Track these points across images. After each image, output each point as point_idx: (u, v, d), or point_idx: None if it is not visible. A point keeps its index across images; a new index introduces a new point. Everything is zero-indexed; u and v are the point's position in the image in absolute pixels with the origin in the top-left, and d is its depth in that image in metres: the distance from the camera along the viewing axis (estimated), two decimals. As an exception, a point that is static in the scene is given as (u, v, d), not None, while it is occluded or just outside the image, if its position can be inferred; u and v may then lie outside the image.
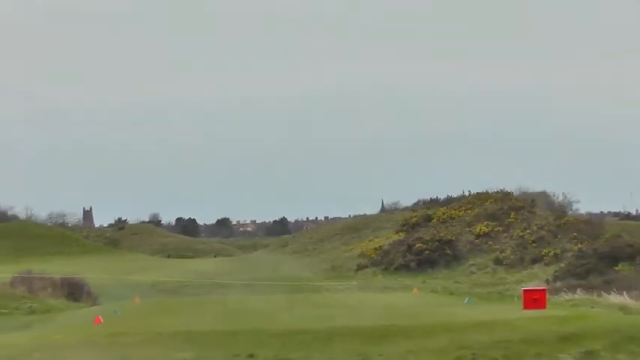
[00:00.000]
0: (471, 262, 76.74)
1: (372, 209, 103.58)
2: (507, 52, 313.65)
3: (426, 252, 78.08)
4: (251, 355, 22.52)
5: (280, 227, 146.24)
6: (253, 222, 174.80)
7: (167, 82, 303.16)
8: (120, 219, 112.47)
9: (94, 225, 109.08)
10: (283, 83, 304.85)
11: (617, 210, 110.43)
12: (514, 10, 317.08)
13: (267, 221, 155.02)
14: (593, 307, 33.45)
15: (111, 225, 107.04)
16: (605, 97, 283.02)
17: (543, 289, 34.22)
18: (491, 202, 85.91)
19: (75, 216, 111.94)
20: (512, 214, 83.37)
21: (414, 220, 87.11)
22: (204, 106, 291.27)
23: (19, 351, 24.61)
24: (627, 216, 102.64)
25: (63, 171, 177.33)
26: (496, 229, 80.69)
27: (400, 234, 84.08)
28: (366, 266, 78.93)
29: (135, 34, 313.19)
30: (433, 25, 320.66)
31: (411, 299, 37.87)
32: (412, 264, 76.01)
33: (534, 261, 74.13)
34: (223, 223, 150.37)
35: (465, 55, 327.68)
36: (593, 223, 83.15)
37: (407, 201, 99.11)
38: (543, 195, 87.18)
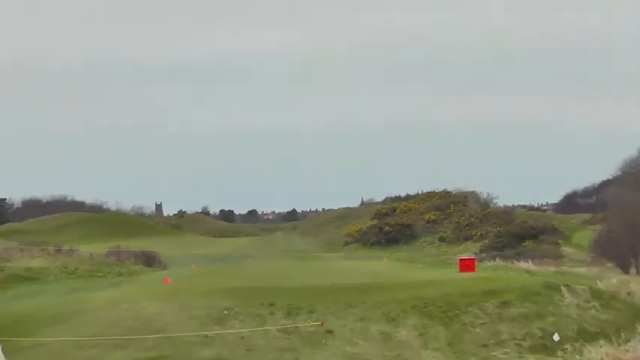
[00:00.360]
0: (422, 240, 77.13)
1: (354, 203, 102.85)
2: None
3: (392, 233, 78.58)
4: (271, 304, 22.20)
5: (291, 216, 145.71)
6: (273, 212, 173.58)
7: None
8: (181, 210, 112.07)
9: (162, 214, 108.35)
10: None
11: (524, 203, 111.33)
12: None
13: (282, 211, 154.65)
14: (507, 271, 33.31)
15: (174, 214, 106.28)
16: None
17: (473, 258, 33.78)
18: (437, 198, 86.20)
19: (149, 208, 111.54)
20: (452, 206, 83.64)
21: (383, 210, 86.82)
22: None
23: (111, 302, 24.14)
24: (532, 208, 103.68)
25: (142, 174, 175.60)
26: (440, 217, 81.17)
27: (374, 220, 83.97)
28: (350, 242, 79.01)
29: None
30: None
31: (381, 266, 37.26)
32: (382, 241, 76.33)
33: (467, 239, 74.27)
34: (252, 213, 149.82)
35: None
36: (507, 213, 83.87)
37: (379, 197, 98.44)
38: (473, 193, 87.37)
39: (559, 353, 19.17)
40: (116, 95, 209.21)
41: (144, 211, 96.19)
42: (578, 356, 18.88)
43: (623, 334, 20.32)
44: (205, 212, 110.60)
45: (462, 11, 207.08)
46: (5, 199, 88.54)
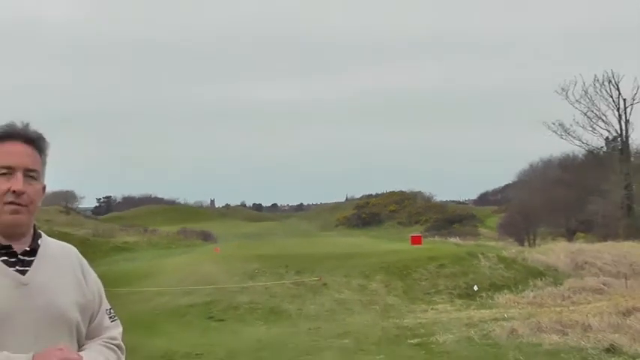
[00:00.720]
0: (387, 223, 77.10)
1: (342, 198, 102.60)
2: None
3: (366, 219, 78.51)
4: (286, 266, 22.20)
5: (300, 207, 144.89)
6: (288, 205, 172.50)
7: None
8: (227, 204, 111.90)
9: (215, 206, 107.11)
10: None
11: (453, 199, 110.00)
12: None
13: (294, 204, 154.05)
14: (443, 244, 33.30)
15: (222, 206, 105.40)
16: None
17: (420, 236, 33.62)
18: (396, 196, 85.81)
19: (206, 202, 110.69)
20: (406, 201, 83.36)
21: (361, 204, 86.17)
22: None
23: (181, 264, 24.23)
24: (458, 202, 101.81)
25: (200, 177, 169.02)
26: (398, 208, 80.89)
27: (354, 210, 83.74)
28: (339, 225, 78.68)
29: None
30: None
31: (360, 241, 37.25)
32: (360, 224, 76.23)
33: (416, 222, 74.03)
34: (274, 205, 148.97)
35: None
36: (442, 205, 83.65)
37: (358, 195, 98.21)
38: (420, 193, 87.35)
39: (477, 299, 19.21)
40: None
41: (202, 204, 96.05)
42: (490, 300, 18.91)
43: (520, 286, 20.42)
44: (243, 205, 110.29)
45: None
46: (110, 196, 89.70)
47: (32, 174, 1.94)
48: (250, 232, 61.49)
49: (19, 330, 1.87)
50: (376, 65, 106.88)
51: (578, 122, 41.57)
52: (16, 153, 1.92)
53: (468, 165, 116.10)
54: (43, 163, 2.00)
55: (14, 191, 1.89)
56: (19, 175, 1.90)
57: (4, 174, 1.90)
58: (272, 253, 25.03)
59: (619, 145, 41.04)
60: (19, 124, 1.95)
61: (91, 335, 2.04)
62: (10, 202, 1.89)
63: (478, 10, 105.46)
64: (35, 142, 1.96)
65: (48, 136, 2.01)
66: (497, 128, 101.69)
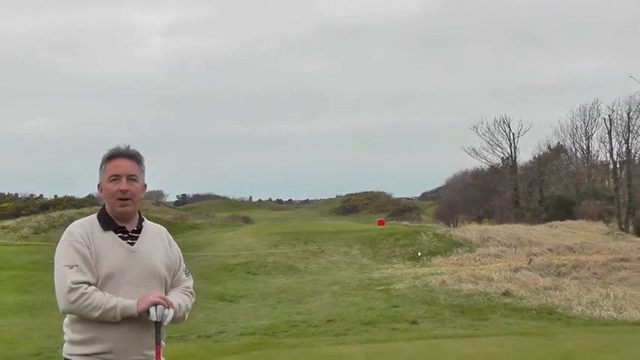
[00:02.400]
0: (362, 212, 75.74)
1: (333, 195, 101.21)
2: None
3: (349, 208, 77.86)
4: (297, 239, 22.01)
5: (307, 202, 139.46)
6: (299, 199, 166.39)
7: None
8: (260, 199, 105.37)
9: (252, 200, 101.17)
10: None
11: (406, 196, 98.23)
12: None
13: (302, 199, 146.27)
14: (398, 225, 33.05)
15: (256, 201, 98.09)
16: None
17: (383, 220, 33.44)
18: (368, 194, 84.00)
19: (247, 197, 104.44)
20: (374, 197, 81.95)
21: (345, 199, 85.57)
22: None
23: (230, 237, 23.98)
24: (408, 199, 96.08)
25: (241, 179, 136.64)
26: (369, 202, 79.22)
27: (341, 203, 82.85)
28: (332, 213, 77.89)
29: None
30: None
31: (344, 223, 37.06)
32: (345, 212, 75.25)
33: (381, 211, 72.12)
34: (290, 200, 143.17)
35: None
36: (399, 201, 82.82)
37: (344, 192, 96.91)
38: (383, 193, 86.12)
39: (420, 261, 19.09)
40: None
41: (244, 199, 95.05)
42: (428, 262, 18.77)
43: (447, 252, 20.19)
44: (269, 199, 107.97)
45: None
46: (185, 194, 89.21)
47: (133, 177, 1.95)
48: (274, 217, 60.98)
49: (129, 281, 1.89)
50: (354, 110, 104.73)
51: (484, 148, 43.14)
52: (120, 165, 1.95)
53: (414, 173, 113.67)
54: (142, 171, 2.01)
55: (121, 190, 1.92)
56: (124, 179, 1.94)
57: (114, 180, 1.93)
58: (288, 231, 24.88)
59: (510, 162, 42.17)
60: (122, 147, 1.99)
61: (173, 285, 2.04)
62: (119, 198, 1.92)
63: (417, 77, 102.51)
64: (134, 157, 1.99)
65: (147, 154, 2.04)
66: (434, 150, 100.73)
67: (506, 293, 11.56)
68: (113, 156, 1.96)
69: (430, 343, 5.96)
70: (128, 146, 1.99)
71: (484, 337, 6.34)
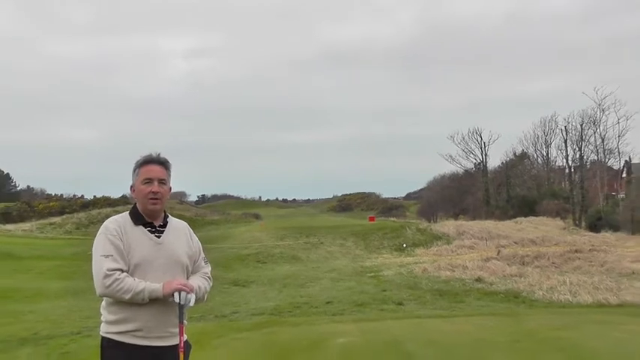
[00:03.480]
0: (355, 210, 75.13)
1: (330, 195, 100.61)
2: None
3: (345, 207, 77.28)
4: (300, 232, 21.91)
5: (308, 201, 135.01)
6: (302, 199, 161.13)
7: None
8: (268, 198, 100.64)
9: (262, 200, 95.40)
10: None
11: (393, 196, 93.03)
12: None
13: (305, 198, 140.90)
14: (386, 221, 32.94)
15: (264, 200, 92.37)
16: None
17: (373, 216, 33.30)
18: (360, 194, 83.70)
19: (257, 197, 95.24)
20: (366, 197, 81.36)
21: (341, 198, 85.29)
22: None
23: (244, 231, 23.92)
24: (394, 198, 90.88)
25: (252, 181, 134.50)
26: (362, 202, 78.92)
27: (338, 202, 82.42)
28: (330, 210, 77.49)
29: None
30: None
31: (340, 219, 36.93)
32: (341, 210, 74.80)
33: (371, 209, 72.04)
34: (294, 199, 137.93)
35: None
36: (386, 200, 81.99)
37: (340, 193, 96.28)
38: (373, 193, 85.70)
39: (405, 251, 18.99)
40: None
41: (255, 198, 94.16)
42: (412, 252, 18.62)
43: (428, 244, 19.99)
44: (276, 199, 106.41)
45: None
46: (205, 194, 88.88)
47: (162, 181, 1.97)
48: (280, 214, 60.68)
49: (155, 269, 1.90)
50: (349, 122, 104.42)
51: (459, 154, 43.34)
52: (153, 170, 1.96)
53: (400, 176, 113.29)
54: (169, 175, 2.03)
55: (152, 192, 1.94)
56: (155, 182, 1.95)
57: (147, 182, 1.94)
58: (292, 225, 24.81)
59: (481, 167, 42.33)
60: (154, 154, 2.00)
61: (194, 271, 2.04)
62: (151, 198, 1.94)
63: (402, 94, 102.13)
64: (164, 164, 2.00)
65: (172, 160, 2.06)
66: (417, 157, 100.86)
67: (478, 279, 11.54)
68: (146, 162, 1.96)
69: (414, 321, 5.95)
70: (159, 154, 1.99)
71: (460, 317, 6.33)
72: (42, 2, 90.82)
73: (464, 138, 41.19)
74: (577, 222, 31.25)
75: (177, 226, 2.03)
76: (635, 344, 4.39)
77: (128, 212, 1.98)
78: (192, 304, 1.87)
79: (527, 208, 32.07)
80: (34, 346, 5.26)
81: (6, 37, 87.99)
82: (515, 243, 19.04)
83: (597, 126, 33.53)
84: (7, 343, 5.45)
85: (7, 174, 53.93)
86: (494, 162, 45.57)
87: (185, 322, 1.91)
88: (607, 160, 34.70)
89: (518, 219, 28.72)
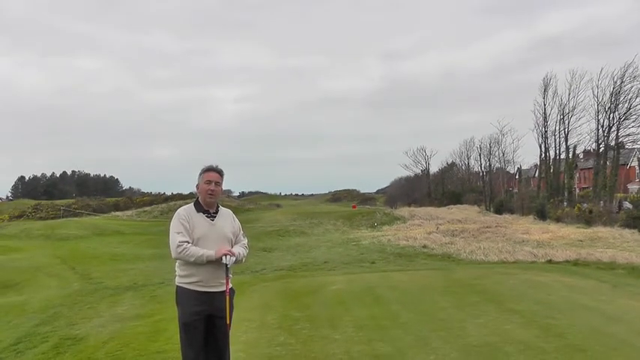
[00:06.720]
0: (343, 201, 70.33)
1: (327, 191, 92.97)
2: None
3: (336, 199, 74.18)
4: (306, 216, 21.33)
5: (312, 195, 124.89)
6: (308, 194, 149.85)
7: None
8: (286, 193, 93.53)
9: (281, 194, 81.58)
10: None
11: (367, 191, 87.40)
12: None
13: (308, 193, 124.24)
14: (363, 208, 32.52)
15: (283, 194, 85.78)
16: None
17: (355, 205, 32.65)
18: (346, 191, 78.98)
19: (278, 192, 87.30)
20: (350, 192, 77.95)
21: (334, 193, 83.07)
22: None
23: (274, 215, 23.55)
24: (369, 192, 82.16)
25: (272, 179, 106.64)
26: (347, 195, 75.70)
27: (332, 196, 79.56)
28: (326, 201, 73.95)
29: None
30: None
31: (333, 207, 36.52)
32: (334, 201, 71.60)
33: (354, 200, 70.37)
34: (303, 194, 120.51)
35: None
36: (363, 194, 78.59)
37: (333, 189, 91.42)
38: (355, 189, 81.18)
39: (376, 228, 18.79)
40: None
41: (277, 193, 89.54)
42: (381, 229, 18.15)
43: (392, 223, 19.07)
44: (291, 194, 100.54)
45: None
46: (244, 191, 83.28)
47: (218, 183, 1.98)
48: (293, 204, 58.62)
49: (210, 241, 1.93)
50: (339, 144, 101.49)
51: (411, 164, 44.07)
52: (212, 175, 1.97)
53: (373, 178, 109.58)
54: (222, 179, 2.05)
55: (211, 189, 1.95)
56: (213, 184, 1.96)
57: (207, 183, 1.95)
58: (301, 212, 24.51)
59: (426, 172, 42.96)
60: (213, 165, 2.00)
61: (236, 242, 2.06)
62: (209, 194, 1.95)
63: (375, 125, 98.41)
64: (219, 172, 2.00)
65: (224, 169, 2.07)
66: (383, 166, 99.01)
67: (424, 246, 11.54)
68: (208, 170, 1.99)
69: (382, 274, 6.03)
70: (217, 165, 2.01)
71: (412, 271, 6.39)
72: (138, 64, 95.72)
73: (414, 153, 42.29)
74: (487, 208, 31.45)
75: (225, 212, 2.04)
76: (526, 287, 4.48)
77: (193, 203, 1.97)
78: (233, 263, 1.91)
79: (456, 199, 33.28)
80: (134, 291, 5.69)
81: (113, 88, 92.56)
82: (448, 222, 19.01)
83: (500, 144, 34.77)
84: (117, 289, 5.96)
85: (117, 179, 57.12)
86: (434, 168, 45.99)
87: (230, 275, 1.93)
88: (506, 167, 35.51)
89: (450, 206, 29.07)
